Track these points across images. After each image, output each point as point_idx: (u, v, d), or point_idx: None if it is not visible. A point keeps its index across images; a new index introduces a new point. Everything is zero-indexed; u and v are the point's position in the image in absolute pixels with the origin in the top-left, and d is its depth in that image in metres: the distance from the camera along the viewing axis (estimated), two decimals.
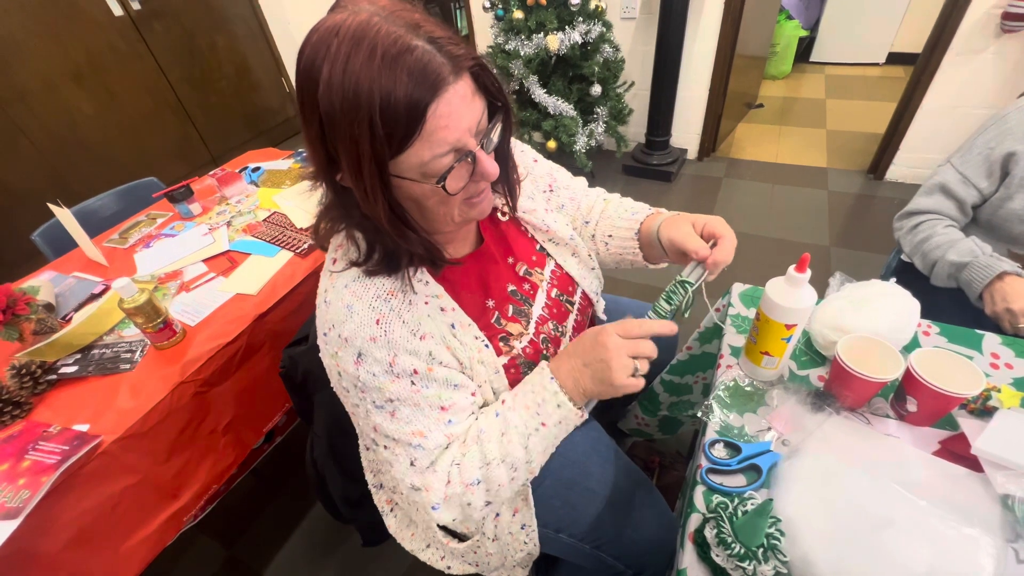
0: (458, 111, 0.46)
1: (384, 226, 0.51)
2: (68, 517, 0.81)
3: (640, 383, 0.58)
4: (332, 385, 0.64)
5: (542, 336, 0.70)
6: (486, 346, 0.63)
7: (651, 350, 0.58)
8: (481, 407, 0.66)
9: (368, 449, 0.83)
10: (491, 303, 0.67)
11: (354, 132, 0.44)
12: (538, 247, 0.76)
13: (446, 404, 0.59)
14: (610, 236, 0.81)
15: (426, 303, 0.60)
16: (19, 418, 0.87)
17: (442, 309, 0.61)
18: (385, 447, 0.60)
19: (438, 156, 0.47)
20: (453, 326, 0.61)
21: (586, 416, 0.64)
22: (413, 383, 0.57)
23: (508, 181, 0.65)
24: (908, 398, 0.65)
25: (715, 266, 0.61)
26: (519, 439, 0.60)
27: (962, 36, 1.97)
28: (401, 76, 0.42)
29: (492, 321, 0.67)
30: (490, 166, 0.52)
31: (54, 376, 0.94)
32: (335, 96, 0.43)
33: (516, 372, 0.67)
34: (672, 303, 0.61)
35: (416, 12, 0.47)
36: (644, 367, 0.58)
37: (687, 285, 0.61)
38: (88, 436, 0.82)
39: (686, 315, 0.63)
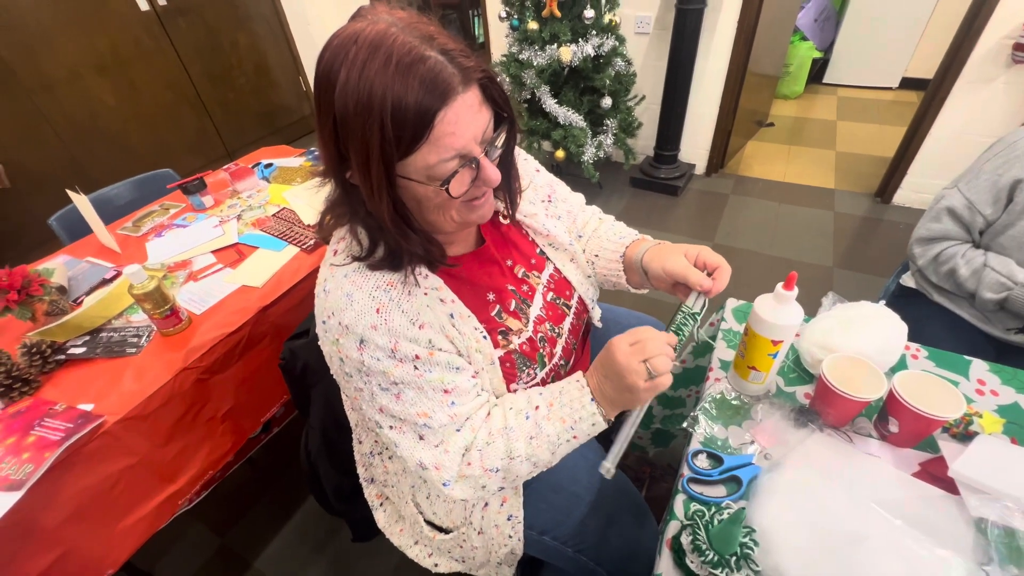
0: (465, 119, 0.49)
1: (387, 224, 0.53)
2: (68, 493, 0.84)
3: (663, 382, 0.57)
4: (332, 372, 0.66)
5: (539, 335, 0.72)
6: (484, 337, 0.65)
7: (657, 348, 0.57)
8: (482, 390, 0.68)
9: (361, 442, 0.85)
10: (491, 296, 0.69)
11: (365, 133, 0.47)
12: (538, 250, 0.78)
13: (449, 387, 0.61)
14: (596, 256, 0.84)
15: (425, 294, 0.62)
16: (27, 395, 0.90)
17: (441, 300, 0.63)
18: (391, 427, 0.62)
19: (444, 160, 0.50)
20: (452, 316, 0.63)
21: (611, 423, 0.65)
22: (416, 368, 0.59)
23: (510, 188, 0.68)
24: (890, 419, 0.66)
25: (714, 295, 0.64)
26: (549, 446, 0.63)
27: (974, 64, 1.98)
28: (413, 84, 0.45)
29: (492, 314, 0.69)
30: (492, 173, 0.54)
31: (63, 356, 0.97)
32: (350, 98, 0.46)
33: (511, 367, 0.68)
34: (682, 334, 0.62)
35: (432, 25, 0.50)
36: (661, 366, 0.56)
37: (696, 316, 0.63)
38: (92, 415, 0.85)
39: (698, 341, 0.65)
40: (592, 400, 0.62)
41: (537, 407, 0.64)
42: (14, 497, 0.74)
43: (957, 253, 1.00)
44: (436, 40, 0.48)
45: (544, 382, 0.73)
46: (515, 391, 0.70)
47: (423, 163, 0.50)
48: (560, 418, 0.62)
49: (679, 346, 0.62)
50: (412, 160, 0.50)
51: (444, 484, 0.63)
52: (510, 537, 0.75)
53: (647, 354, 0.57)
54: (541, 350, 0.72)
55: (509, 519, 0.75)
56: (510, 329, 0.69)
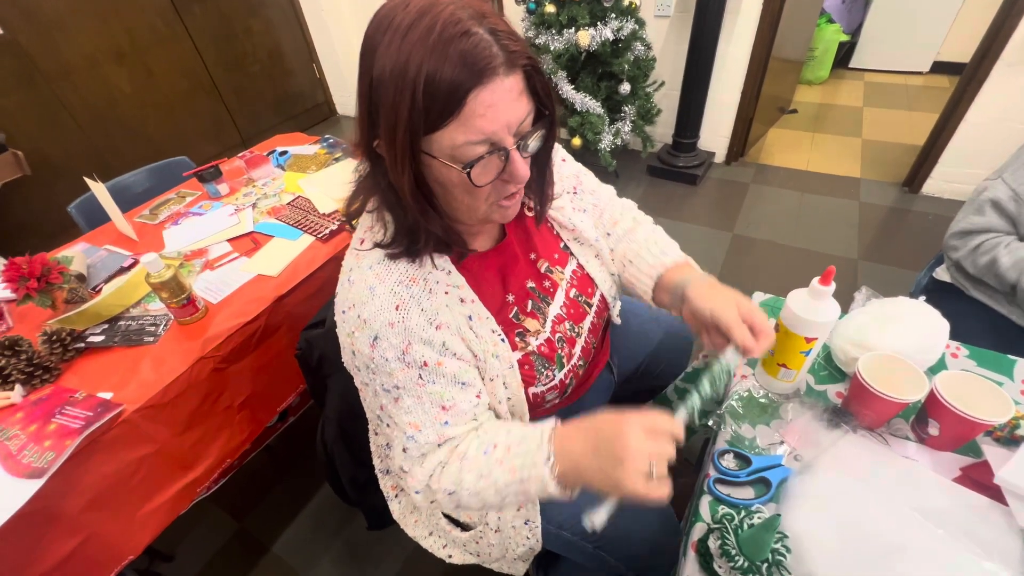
0: (500, 104, 0.46)
1: (407, 198, 0.52)
2: (89, 480, 0.84)
3: (661, 492, 0.49)
4: (344, 361, 0.65)
5: (558, 335, 0.70)
6: (502, 340, 0.63)
7: (672, 452, 0.51)
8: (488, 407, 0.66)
9: (377, 434, 0.85)
10: (511, 297, 0.67)
11: (396, 99, 0.45)
12: (562, 245, 0.75)
13: (447, 404, 0.60)
14: (630, 262, 0.78)
15: (446, 292, 0.60)
16: (48, 382, 0.91)
17: (461, 300, 0.61)
18: (388, 426, 0.63)
19: (471, 143, 0.47)
20: (470, 318, 0.62)
21: (574, 497, 0.57)
22: (421, 376, 0.58)
23: (542, 190, 0.65)
24: (930, 421, 0.63)
25: (751, 357, 0.59)
26: (496, 491, 0.58)
27: (1015, 46, 1.88)
28: (452, 56, 0.44)
29: (510, 316, 0.67)
30: (521, 168, 0.51)
31: (82, 344, 0.97)
32: (388, 62, 0.45)
33: (530, 368, 0.66)
34: (715, 387, 0.58)
35: (486, 3, 0.48)
36: (661, 470, 0.50)
37: (730, 371, 0.59)
38: (111, 404, 0.85)
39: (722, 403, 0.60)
40: (548, 461, 0.54)
41: (495, 445, 0.59)
42: (37, 484, 0.74)
43: (1000, 243, 0.95)
44: (487, 18, 0.46)
45: (563, 384, 0.71)
46: (534, 395, 0.68)
47: (449, 141, 0.47)
48: (512, 468, 0.56)
49: (710, 398, 0.57)
50: (439, 136, 0.47)
51: (416, 492, 0.62)
52: (528, 537, 0.74)
53: (661, 453, 0.50)
54: (560, 351, 0.69)
55: (527, 523, 0.74)
56: (527, 330, 0.67)
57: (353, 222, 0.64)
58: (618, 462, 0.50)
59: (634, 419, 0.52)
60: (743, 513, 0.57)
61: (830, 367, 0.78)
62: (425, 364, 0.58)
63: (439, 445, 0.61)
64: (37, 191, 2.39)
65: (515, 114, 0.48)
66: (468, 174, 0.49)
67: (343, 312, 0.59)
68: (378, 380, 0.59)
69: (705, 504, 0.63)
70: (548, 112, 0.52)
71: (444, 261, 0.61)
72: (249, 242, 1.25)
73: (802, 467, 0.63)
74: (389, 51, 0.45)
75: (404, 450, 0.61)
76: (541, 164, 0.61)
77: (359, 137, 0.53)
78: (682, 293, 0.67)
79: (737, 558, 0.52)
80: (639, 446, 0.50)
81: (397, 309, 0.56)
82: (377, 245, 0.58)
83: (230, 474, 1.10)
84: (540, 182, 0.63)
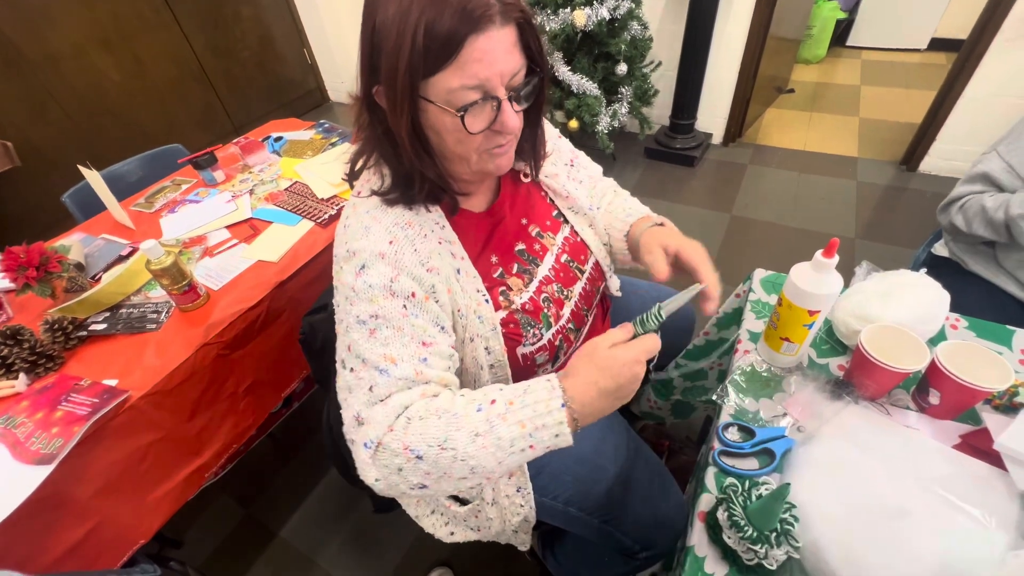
0: (495, 52, 0.50)
1: (404, 142, 0.55)
2: (98, 467, 0.85)
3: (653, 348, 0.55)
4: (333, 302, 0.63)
5: (543, 295, 0.71)
6: (486, 300, 0.65)
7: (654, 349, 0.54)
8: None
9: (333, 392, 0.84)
10: (494, 259, 0.69)
11: (397, 42, 0.49)
12: (555, 212, 0.78)
13: (428, 340, 0.57)
14: (608, 212, 0.84)
15: (439, 243, 0.63)
16: (52, 371, 0.91)
17: (452, 254, 0.64)
18: (352, 369, 0.57)
19: (466, 87, 0.51)
20: (459, 271, 0.64)
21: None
22: (405, 307, 0.57)
23: (534, 147, 0.69)
24: (931, 390, 0.64)
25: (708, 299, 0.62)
26: (497, 451, 0.51)
27: (1014, 20, 1.86)
28: (452, 3, 0.47)
29: (494, 276, 0.69)
30: (511, 119, 0.54)
31: (84, 332, 0.97)
32: (391, 9, 0.49)
33: (515, 327, 0.67)
34: (647, 327, 0.56)
35: None
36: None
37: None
38: (117, 391, 0.86)
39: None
40: (563, 406, 0.51)
41: (493, 401, 0.53)
42: (46, 470, 0.75)
43: (985, 194, 0.96)
44: None
45: (552, 345, 0.71)
46: (523, 356, 0.69)
47: (445, 85, 0.51)
48: (519, 421, 0.51)
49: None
50: (436, 80, 0.51)
51: (365, 445, 0.53)
52: (521, 506, 0.74)
53: (648, 353, 0.54)
54: (546, 310, 0.71)
55: (519, 490, 0.74)
56: (511, 288, 0.69)
57: (354, 183, 0.67)
58: (627, 392, 0.54)
59: (631, 351, 0.53)
60: (748, 483, 0.58)
61: (831, 340, 0.78)
62: (412, 295, 0.58)
63: (410, 388, 0.55)
64: (29, 183, 2.36)
65: (508, 65, 0.51)
66: (462, 118, 0.52)
67: (336, 254, 0.62)
68: (354, 311, 0.56)
69: (710, 475, 0.64)
70: (539, 69, 0.55)
71: (439, 215, 0.64)
72: (248, 228, 1.24)
73: (805, 438, 0.64)
74: (392, 0, 0.49)
75: (371, 389, 0.54)
76: (532, 122, 0.65)
77: (359, 86, 0.56)
78: (652, 224, 0.74)
79: (746, 528, 0.53)
80: (640, 369, 0.53)
81: (391, 244, 0.58)
82: (374, 192, 0.61)
83: (237, 459, 1.11)
84: (532, 140, 0.67)
